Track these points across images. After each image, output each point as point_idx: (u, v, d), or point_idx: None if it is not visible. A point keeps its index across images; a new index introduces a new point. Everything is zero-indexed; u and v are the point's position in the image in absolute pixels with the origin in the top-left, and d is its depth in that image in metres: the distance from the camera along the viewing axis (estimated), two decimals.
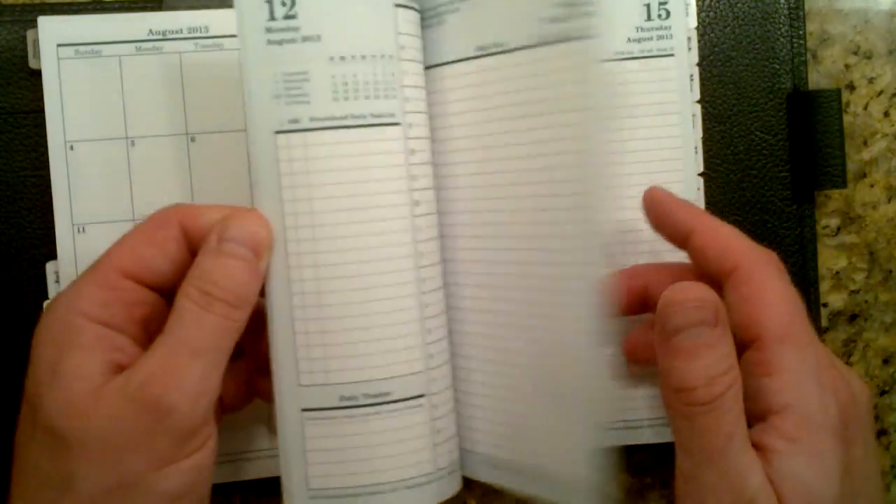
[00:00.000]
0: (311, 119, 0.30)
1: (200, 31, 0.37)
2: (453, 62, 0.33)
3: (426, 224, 0.32)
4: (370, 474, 0.31)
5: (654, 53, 0.37)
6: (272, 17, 0.30)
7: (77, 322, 0.28)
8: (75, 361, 0.28)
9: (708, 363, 0.28)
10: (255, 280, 0.29)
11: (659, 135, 0.37)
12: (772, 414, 0.28)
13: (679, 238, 0.32)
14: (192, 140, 0.36)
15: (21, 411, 0.28)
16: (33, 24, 0.36)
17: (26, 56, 0.37)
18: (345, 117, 0.30)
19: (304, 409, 0.31)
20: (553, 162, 0.30)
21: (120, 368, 0.28)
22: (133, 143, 0.36)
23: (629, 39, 0.37)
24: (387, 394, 0.31)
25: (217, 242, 0.29)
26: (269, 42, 0.30)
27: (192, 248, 0.30)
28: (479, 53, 0.32)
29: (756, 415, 0.28)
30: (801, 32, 0.38)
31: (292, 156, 0.30)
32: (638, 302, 0.33)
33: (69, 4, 0.38)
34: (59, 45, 0.36)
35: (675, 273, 0.33)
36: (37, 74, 0.36)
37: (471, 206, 0.33)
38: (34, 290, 0.36)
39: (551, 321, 0.31)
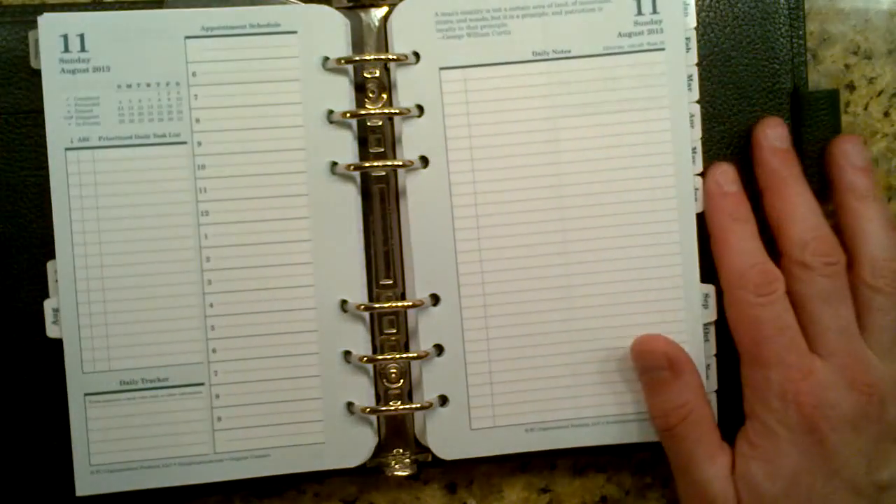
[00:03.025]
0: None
1: None
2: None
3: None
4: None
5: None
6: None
7: None
8: None
9: (662, 399, 0.36)
10: None
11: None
12: (747, 416, 0.36)
13: None
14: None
15: None
16: (34, 25, 0.36)
17: (27, 56, 0.37)
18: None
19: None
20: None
21: None
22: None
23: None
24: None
25: None
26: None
27: None
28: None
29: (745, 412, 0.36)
30: (800, 32, 0.38)
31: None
32: None
33: (70, 5, 0.38)
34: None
35: None
36: (38, 74, 0.36)
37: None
38: (34, 290, 0.36)
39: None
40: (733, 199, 0.37)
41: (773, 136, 0.37)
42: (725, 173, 0.37)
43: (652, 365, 0.36)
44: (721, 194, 0.37)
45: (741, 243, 0.36)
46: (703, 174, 0.38)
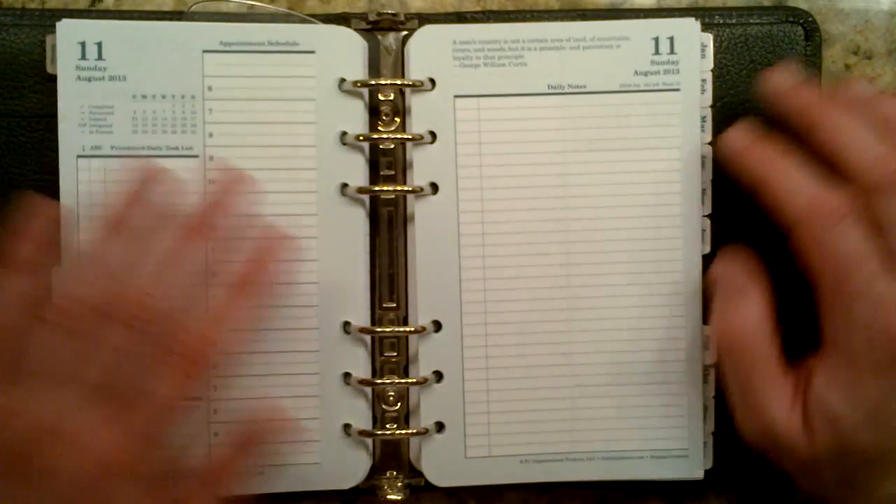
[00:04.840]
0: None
1: None
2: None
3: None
4: None
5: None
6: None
7: None
8: None
9: (725, 311, 0.35)
10: None
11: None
12: (825, 345, 0.33)
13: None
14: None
15: None
16: (53, 30, 0.36)
17: (44, 61, 0.37)
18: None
19: None
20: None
21: None
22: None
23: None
24: None
25: None
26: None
27: None
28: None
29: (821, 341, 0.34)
30: (816, 80, 0.38)
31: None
32: None
33: (87, 11, 0.38)
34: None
35: None
36: (54, 80, 0.36)
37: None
38: None
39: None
40: (758, 145, 0.35)
41: (783, 78, 0.35)
42: (739, 129, 0.36)
43: (727, 276, 0.35)
44: (743, 149, 0.35)
45: (789, 179, 0.33)
46: (711, 215, 0.38)
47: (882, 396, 0.32)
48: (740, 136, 0.35)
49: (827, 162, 0.33)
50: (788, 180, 0.33)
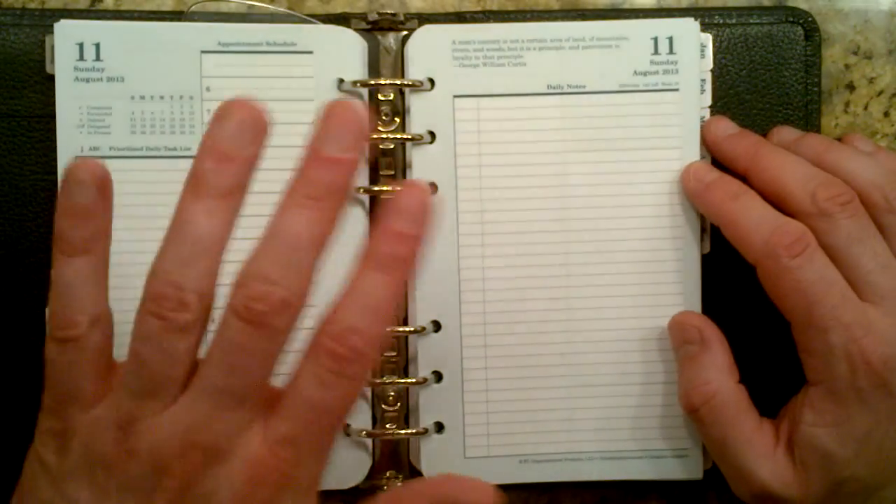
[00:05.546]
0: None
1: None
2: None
3: None
4: None
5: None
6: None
7: None
8: None
9: (688, 376, 0.35)
10: None
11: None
12: (809, 385, 0.34)
13: None
14: None
15: None
16: (52, 30, 0.36)
17: (43, 61, 0.37)
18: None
19: None
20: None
21: None
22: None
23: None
24: None
25: None
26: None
27: None
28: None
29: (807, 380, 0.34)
30: (816, 80, 0.38)
31: None
32: None
33: (87, 11, 0.38)
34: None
35: None
36: (53, 80, 0.36)
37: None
38: (39, 294, 0.36)
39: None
40: (719, 183, 0.36)
41: (721, 129, 0.37)
42: (700, 167, 0.36)
43: (683, 338, 0.36)
44: (705, 187, 0.36)
45: (750, 215, 0.34)
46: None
47: (870, 426, 0.32)
48: (700, 175, 0.36)
49: (774, 200, 0.34)
50: (749, 215, 0.34)
